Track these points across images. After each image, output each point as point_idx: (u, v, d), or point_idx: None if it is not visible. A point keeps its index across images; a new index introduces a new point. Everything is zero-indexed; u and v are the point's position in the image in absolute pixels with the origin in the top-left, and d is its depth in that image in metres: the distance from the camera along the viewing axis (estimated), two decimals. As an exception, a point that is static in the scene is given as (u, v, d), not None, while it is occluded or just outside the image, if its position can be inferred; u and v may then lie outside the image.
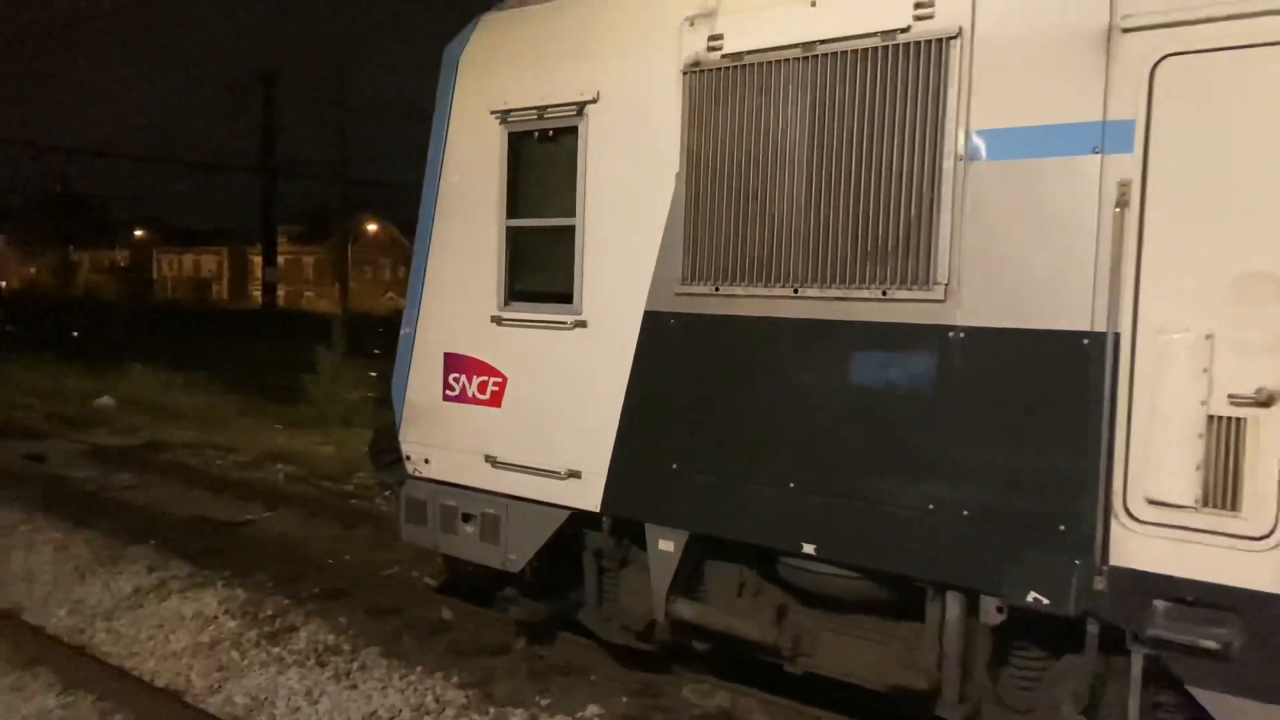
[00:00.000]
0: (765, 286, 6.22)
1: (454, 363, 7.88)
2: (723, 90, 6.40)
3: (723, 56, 6.40)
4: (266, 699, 7.20)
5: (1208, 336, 4.84)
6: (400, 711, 6.97)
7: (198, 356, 29.30)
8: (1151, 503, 4.99)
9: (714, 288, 6.45)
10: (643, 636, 7.32)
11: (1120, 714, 5.25)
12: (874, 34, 5.79)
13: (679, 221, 6.59)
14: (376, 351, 23.85)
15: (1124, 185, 5.03)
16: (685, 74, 6.56)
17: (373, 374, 21.00)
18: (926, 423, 5.64)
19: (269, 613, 8.71)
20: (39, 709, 7.10)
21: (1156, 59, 4.96)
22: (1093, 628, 5.28)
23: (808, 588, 6.36)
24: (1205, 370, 4.84)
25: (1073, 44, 5.18)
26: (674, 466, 6.65)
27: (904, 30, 5.69)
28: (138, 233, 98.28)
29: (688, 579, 6.91)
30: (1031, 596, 5.31)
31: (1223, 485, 4.81)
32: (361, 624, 8.68)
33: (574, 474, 7.15)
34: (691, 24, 6.53)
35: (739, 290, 6.34)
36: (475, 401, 7.74)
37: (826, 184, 5.96)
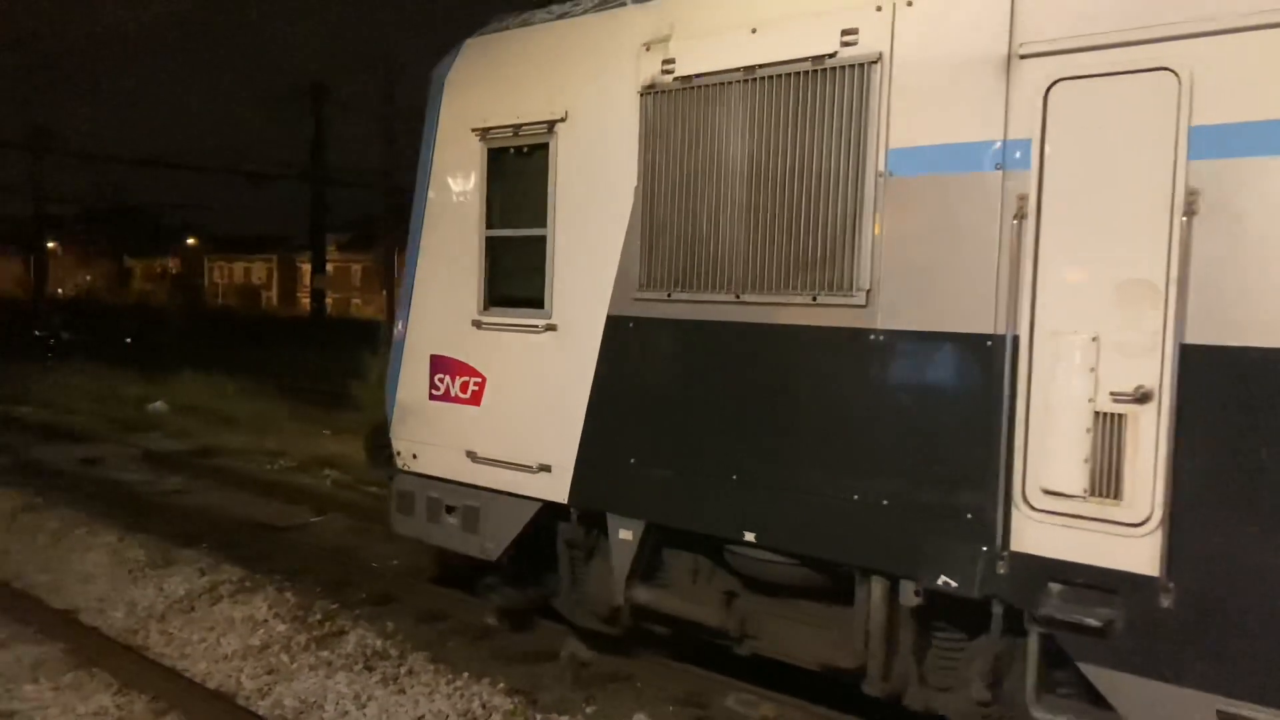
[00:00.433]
0: (711, 293, 6.69)
1: (439, 364, 8.41)
2: (675, 110, 6.88)
3: (675, 79, 6.88)
4: (315, 702, 7.26)
5: (1094, 339, 5.25)
6: (447, 717, 7.04)
7: (248, 363, 29.60)
8: (1046, 492, 5.40)
9: (667, 294, 6.93)
10: (609, 621, 7.80)
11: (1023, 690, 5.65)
12: (806, 59, 6.25)
13: (637, 232, 7.08)
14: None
15: (1022, 199, 5.45)
16: (642, 95, 7.04)
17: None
18: (850, 418, 6.09)
19: (318, 617, 8.73)
20: (96, 708, 7.21)
21: (1050, 83, 5.38)
22: (997, 609, 5.70)
23: (751, 574, 6.82)
24: (1092, 370, 5.25)
25: (978, 69, 5.61)
26: (632, 460, 7.13)
27: (832, 55, 6.14)
28: (189, 241, 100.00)
29: (647, 566, 7.38)
30: (942, 580, 5.74)
31: (1107, 476, 5.22)
32: (409, 629, 8.78)
33: (545, 468, 7.64)
34: (648, 49, 7.02)
35: (688, 296, 6.81)
36: (457, 400, 8.26)
37: (764, 198, 6.43)
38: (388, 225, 62.37)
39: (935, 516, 5.75)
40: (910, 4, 5.87)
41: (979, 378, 5.60)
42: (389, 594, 9.81)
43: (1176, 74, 4.98)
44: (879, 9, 5.97)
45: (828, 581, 6.48)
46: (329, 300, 65.11)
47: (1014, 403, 5.49)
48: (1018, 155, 5.47)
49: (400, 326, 8.80)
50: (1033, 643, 5.50)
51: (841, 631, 6.44)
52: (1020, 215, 5.44)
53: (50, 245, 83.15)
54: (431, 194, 8.55)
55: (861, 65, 6.03)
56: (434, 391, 8.45)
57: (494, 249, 8.09)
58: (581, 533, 7.74)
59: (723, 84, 6.64)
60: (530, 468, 7.72)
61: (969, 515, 5.63)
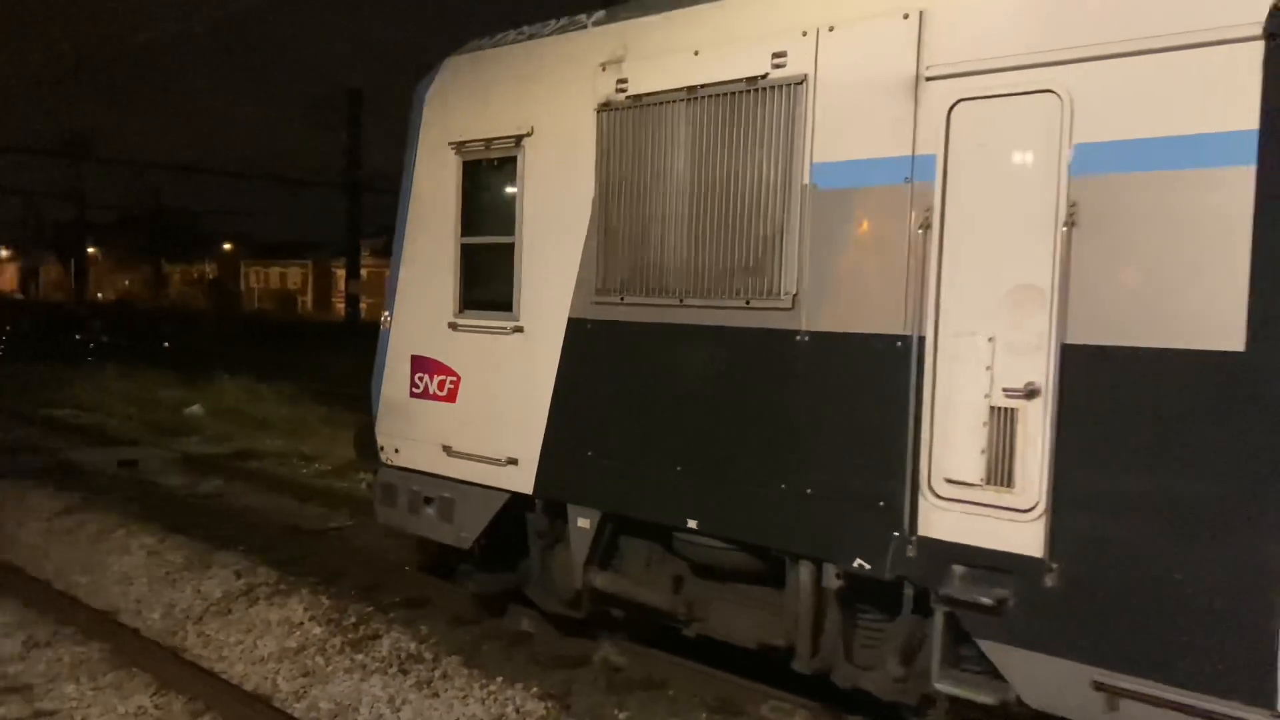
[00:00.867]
0: (658, 297, 7.18)
1: (419, 363, 8.95)
2: (627, 127, 7.37)
3: (627, 98, 7.38)
4: (350, 705, 7.34)
5: (990, 339, 5.70)
6: None
7: (283, 367, 29.87)
8: (948, 481, 5.85)
9: (620, 298, 7.42)
10: (573, 606, 8.29)
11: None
12: (741, 79, 6.73)
13: (594, 240, 7.57)
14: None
15: (928, 210, 5.90)
16: (598, 112, 7.54)
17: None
18: (778, 413, 6.56)
19: (352, 620, 8.81)
20: (135, 707, 7.34)
21: (952, 103, 5.83)
22: (908, 590, 6.15)
23: (696, 559, 7.29)
24: (988, 368, 5.70)
25: (890, 89, 6.07)
26: (589, 453, 7.62)
27: (764, 76, 6.62)
28: (226, 246, 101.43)
29: (605, 553, 7.86)
30: (858, 563, 6.19)
31: (1001, 465, 5.66)
32: (443, 633, 8.87)
33: (512, 461, 8.15)
34: (604, 69, 7.51)
35: (638, 300, 7.30)
36: (435, 398, 8.79)
37: (705, 209, 6.91)
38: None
39: (852, 504, 6.20)
40: (832, 29, 6.34)
41: (890, 375, 6.05)
42: (423, 598, 9.91)
43: (1059, 95, 5.42)
44: (804, 34, 6.44)
45: (763, 566, 6.94)
46: (363, 305, 65.86)
47: (920, 398, 5.94)
48: (924, 170, 5.92)
49: (385, 328, 9.33)
50: (938, 621, 5.94)
51: (774, 612, 6.89)
52: (926, 225, 5.89)
53: (90, 250, 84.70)
54: (413, 204, 9.09)
55: (789, 85, 6.50)
56: (414, 389, 8.97)
57: (468, 255, 8.61)
58: (546, 522, 8.24)
59: (669, 102, 7.12)
60: (499, 461, 8.23)
61: (881, 503, 6.08)
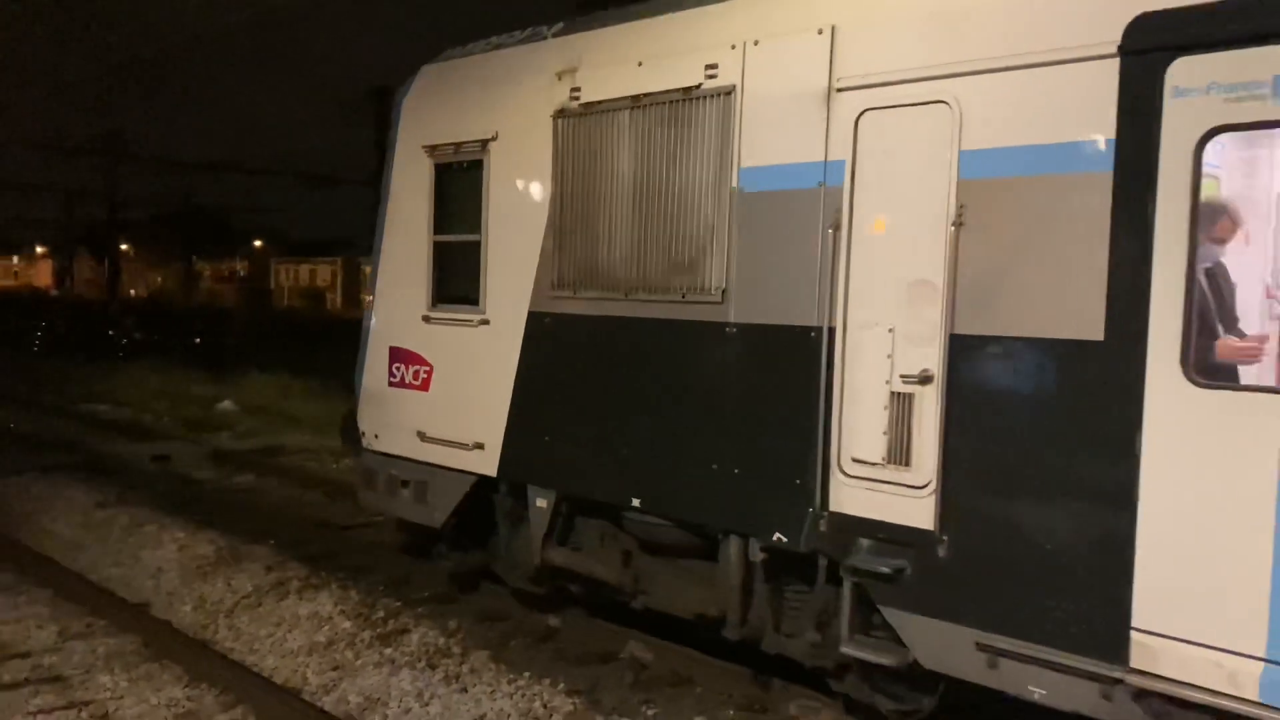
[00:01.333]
0: (606, 291, 7.71)
1: (396, 354, 9.52)
2: (579, 132, 7.91)
3: (580, 105, 7.91)
4: (379, 699, 7.37)
5: (890, 330, 6.20)
6: (509, 716, 7.14)
7: (313, 363, 29.26)
8: (855, 460, 6.36)
9: (573, 292, 7.96)
10: (535, 582, 8.84)
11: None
12: (678, 89, 7.25)
13: (551, 238, 8.11)
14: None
15: (837, 211, 6.41)
16: (554, 118, 8.07)
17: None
18: (710, 399, 7.08)
19: (381, 614, 8.90)
20: (168, 699, 7.39)
21: (859, 112, 6.33)
22: (821, 562, 6.66)
23: (640, 536, 7.82)
24: (889, 356, 6.20)
25: (807, 99, 6.58)
26: (546, 438, 8.17)
27: (698, 87, 7.14)
28: (256, 244, 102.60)
29: (562, 531, 8.40)
30: (777, 537, 6.71)
31: (900, 446, 6.16)
32: (471, 628, 8.89)
33: (479, 445, 8.70)
34: (559, 78, 8.05)
35: (589, 294, 7.84)
36: (410, 386, 9.36)
37: (647, 210, 7.44)
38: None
39: (773, 482, 6.72)
40: (757, 44, 6.85)
41: (805, 364, 6.56)
42: (451, 593, 9.93)
43: (950, 106, 5.92)
44: (733, 47, 6.95)
45: (698, 541, 7.46)
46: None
47: (831, 384, 6.45)
48: (835, 174, 6.43)
49: (366, 322, 9.92)
50: (846, 590, 6.44)
51: (709, 585, 7.41)
52: (836, 225, 6.40)
53: (123, 247, 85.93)
54: (391, 204, 9.66)
55: (720, 95, 7.02)
56: (392, 379, 9.55)
57: (440, 253, 9.17)
58: (510, 503, 8.80)
59: (616, 110, 7.65)
60: (467, 445, 8.79)
61: (798, 481, 6.59)
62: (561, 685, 7.54)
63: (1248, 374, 5.44)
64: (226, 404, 23.63)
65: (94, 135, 73.00)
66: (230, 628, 8.87)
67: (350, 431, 10.12)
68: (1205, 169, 5.75)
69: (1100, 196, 5.36)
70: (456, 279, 9.05)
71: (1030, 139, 5.64)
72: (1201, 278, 5.22)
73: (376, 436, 9.76)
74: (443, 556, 9.76)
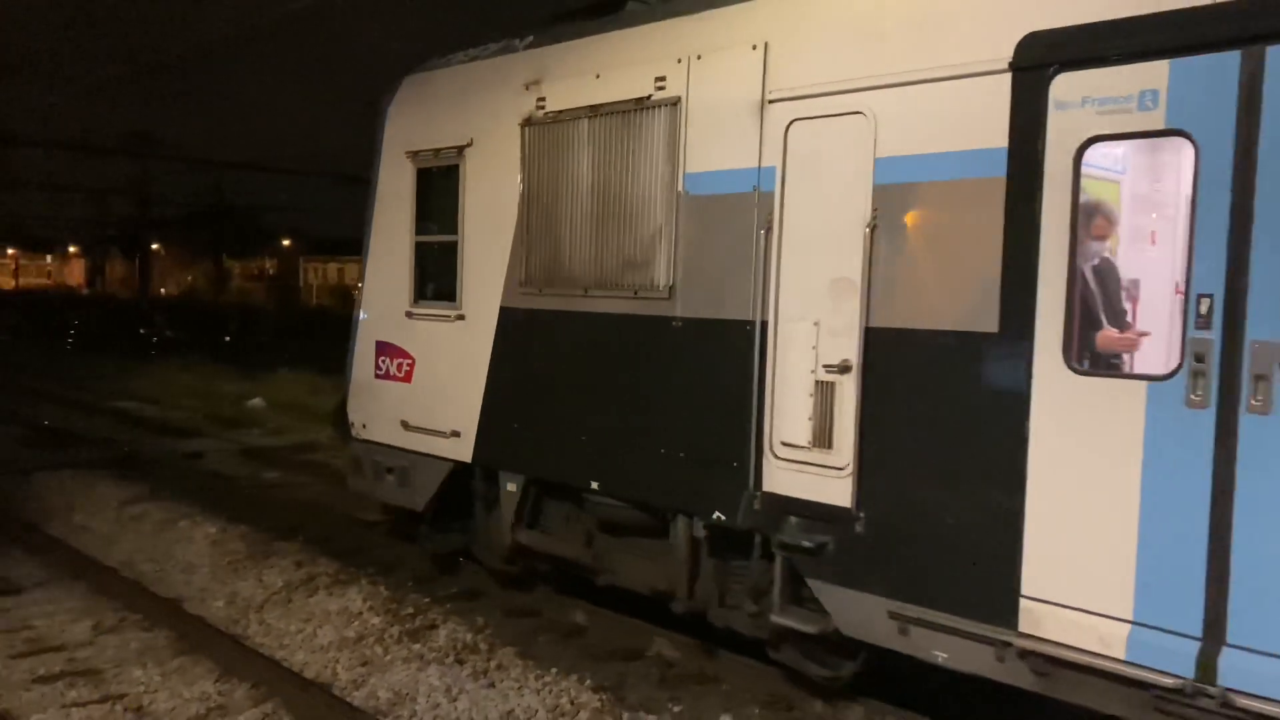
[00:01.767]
0: (568, 288, 8.25)
1: (382, 348, 10.10)
2: (544, 140, 8.45)
3: (545, 114, 8.45)
4: (408, 694, 7.44)
5: (815, 323, 6.71)
6: (536, 712, 7.19)
7: (342, 361, 30.45)
8: (784, 444, 6.87)
9: (539, 289, 8.50)
10: (508, 562, 9.39)
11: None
12: (631, 100, 7.77)
13: (520, 238, 8.66)
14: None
15: (769, 214, 6.92)
16: (522, 126, 8.61)
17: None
18: (658, 388, 7.61)
19: (409, 610, 9.02)
20: (200, 693, 7.48)
21: (788, 122, 6.84)
22: (757, 538, 7.17)
23: (600, 517, 8.35)
24: (813, 348, 6.71)
25: (742, 110, 7.09)
26: (515, 425, 8.72)
27: (648, 98, 7.66)
28: (285, 242, 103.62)
29: (531, 514, 8.95)
30: (716, 515, 7.23)
31: (823, 430, 6.67)
32: (498, 624, 8.99)
33: (455, 433, 9.26)
34: (527, 88, 8.59)
35: (553, 291, 8.38)
36: (395, 378, 9.93)
37: (604, 213, 7.97)
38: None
39: (714, 465, 7.24)
40: (699, 58, 7.37)
41: (742, 354, 7.07)
42: (478, 589, 10.04)
43: (867, 116, 6.42)
44: (679, 61, 7.48)
45: (651, 521, 7.98)
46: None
47: (764, 374, 6.96)
48: (768, 179, 6.94)
49: (356, 317, 10.50)
50: (778, 564, 6.96)
51: (660, 562, 7.94)
52: (768, 227, 6.91)
53: (154, 246, 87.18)
54: (377, 207, 10.24)
55: (668, 105, 7.54)
56: (378, 371, 10.13)
57: (421, 252, 9.73)
58: (484, 487, 9.35)
59: (576, 119, 8.18)
60: (445, 433, 9.35)
61: (735, 463, 7.11)
62: (588, 681, 7.64)
63: (1120, 363, 5.92)
64: (256, 401, 23.83)
65: (125, 135, 74.17)
66: (261, 623, 8.99)
67: (341, 422, 10.68)
68: (1103, 174, 6.27)
69: (994, 200, 5.85)
70: (436, 277, 9.60)
71: (935, 147, 6.14)
72: (1081, 275, 5.71)
73: (364, 426, 10.33)
74: (426, 539, 10.31)
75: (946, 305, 6.10)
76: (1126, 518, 5.37)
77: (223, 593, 9.76)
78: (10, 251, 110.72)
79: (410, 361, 9.78)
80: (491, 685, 7.57)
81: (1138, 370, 5.85)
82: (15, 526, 11.98)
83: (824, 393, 6.66)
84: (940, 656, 6.13)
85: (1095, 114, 5.50)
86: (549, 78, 8.47)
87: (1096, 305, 5.85)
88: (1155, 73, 5.29)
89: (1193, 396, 5.15)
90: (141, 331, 51.72)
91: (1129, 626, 5.35)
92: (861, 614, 6.50)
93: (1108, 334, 5.86)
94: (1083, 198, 5.70)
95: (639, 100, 7.72)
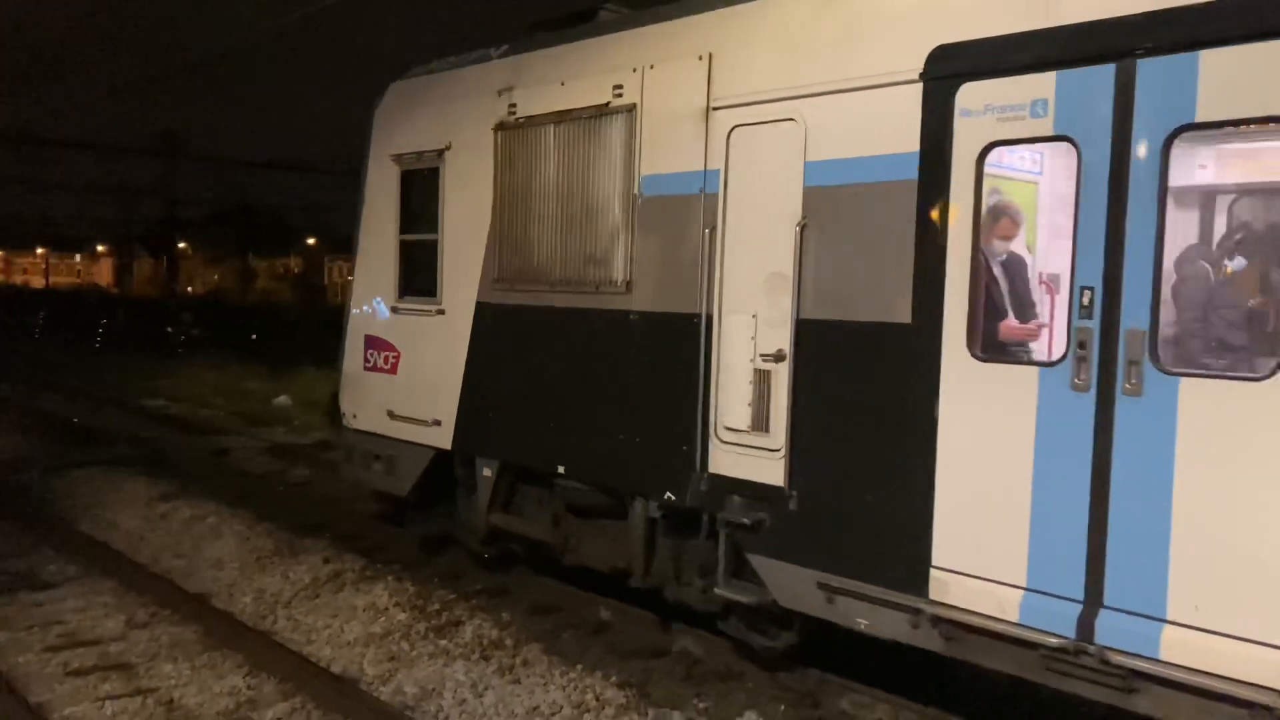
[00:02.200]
0: (536, 284, 8.77)
1: (370, 342, 10.65)
2: (516, 144, 8.97)
3: (516, 119, 8.97)
4: (434, 690, 7.50)
5: (754, 316, 7.20)
6: (561, 708, 7.24)
7: None
8: (728, 429, 7.36)
9: (510, 285, 9.03)
10: (486, 543, 9.92)
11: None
12: (592, 106, 8.29)
13: (494, 237, 9.18)
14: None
15: (713, 214, 7.42)
16: (495, 131, 9.14)
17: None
18: (617, 377, 8.12)
19: (436, 606, 9.10)
20: (229, 687, 7.59)
21: (730, 128, 7.34)
22: (705, 517, 7.67)
23: (567, 499, 8.87)
24: (752, 339, 7.20)
25: (690, 116, 7.58)
26: (490, 414, 9.25)
27: (607, 104, 8.17)
28: (310, 241, 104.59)
29: (505, 497, 9.47)
30: (668, 496, 7.73)
31: (760, 415, 7.16)
32: (523, 620, 9.06)
33: (437, 422, 9.79)
34: (500, 95, 9.11)
35: (523, 287, 8.90)
36: (382, 370, 10.48)
37: (567, 213, 8.49)
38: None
39: (666, 449, 7.74)
40: (652, 67, 7.87)
41: (690, 345, 7.57)
42: (503, 586, 10.12)
43: (798, 122, 6.90)
44: (634, 70, 7.98)
45: (612, 503, 8.48)
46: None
47: (709, 363, 7.46)
48: (712, 182, 7.44)
49: (347, 313, 11.06)
50: (722, 541, 7.46)
51: (620, 541, 8.45)
52: (712, 226, 7.41)
53: (181, 246, 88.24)
54: (366, 207, 10.79)
55: (625, 112, 8.04)
56: (367, 364, 10.68)
57: (406, 250, 10.28)
58: (464, 473, 9.88)
59: (544, 124, 8.70)
60: (427, 422, 9.88)
61: (684, 447, 7.61)
62: (613, 678, 7.71)
63: (1016, 351, 6.39)
64: (282, 399, 23.96)
65: (152, 136, 75.12)
66: (289, 618, 9.12)
67: (335, 412, 11.24)
68: (1024, 175, 6.75)
69: (908, 201, 6.33)
70: (419, 274, 10.14)
71: (857, 151, 6.62)
72: (984, 270, 6.19)
73: (355, 416, 10.89)
74: (413, 523, 10.86)
75: (867, 298, 6.58)
76: (1021, 493, 5.84)
77: (251, 588, 9.93)
78: (40, 251, 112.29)
79: (396, 354, 10.33)
80: (517, 681, 7.69)
81: (1030, 358, 6.31)
82: (47, 523, 12.30)
83: (761, 380, 7.15)
84: (862, 624, 6.62)
85: (995, 121, 5.97)
86: (520, 85, 8.98)
87: (998, 298, 6.32)
88: (1045, 83, 5.76)
89: (1076, 381, 5.62)
90: (169, 330, 52.02)
91: (1022, 593, 5.83)
92: (794, 585, 6.99)
93: (1009, 324, 6.35)
94: (991, 198, 6.19)
95: (599, 107, 8.22)
